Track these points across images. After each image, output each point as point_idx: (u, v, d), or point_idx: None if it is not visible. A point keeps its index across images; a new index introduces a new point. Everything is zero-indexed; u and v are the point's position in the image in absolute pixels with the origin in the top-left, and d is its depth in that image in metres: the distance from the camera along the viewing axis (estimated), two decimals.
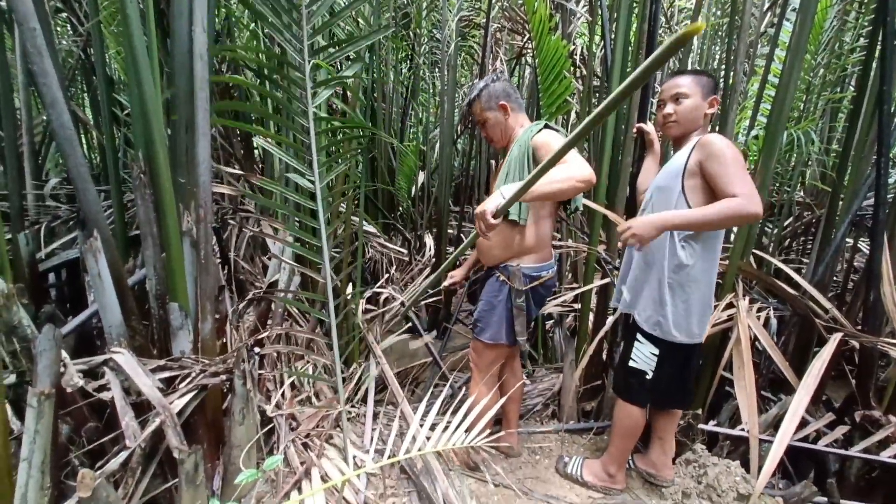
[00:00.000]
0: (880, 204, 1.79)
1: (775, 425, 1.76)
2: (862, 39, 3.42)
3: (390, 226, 4.41)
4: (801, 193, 4.54)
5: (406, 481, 1.68)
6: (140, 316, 1.47)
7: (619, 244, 1.48)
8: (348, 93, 2.42)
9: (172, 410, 1.21)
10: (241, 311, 1.95)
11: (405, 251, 4.03)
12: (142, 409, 1.27)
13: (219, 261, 2.18)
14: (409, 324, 2.59)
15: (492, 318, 1.65)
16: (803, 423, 1.82)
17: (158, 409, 1.18)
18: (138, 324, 1.43)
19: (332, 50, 1.58)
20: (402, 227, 4.45)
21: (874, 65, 2.07)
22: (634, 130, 1.82)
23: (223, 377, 1.37)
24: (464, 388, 2.26)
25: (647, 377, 1.52)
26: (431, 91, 5.66)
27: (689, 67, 4.62)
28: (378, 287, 2.53)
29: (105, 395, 1.20)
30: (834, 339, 1.72)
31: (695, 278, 1.43)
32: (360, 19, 3.03)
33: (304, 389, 1.89)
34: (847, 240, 3.20)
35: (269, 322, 1.85)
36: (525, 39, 4.07)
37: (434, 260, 3.80)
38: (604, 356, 2.12)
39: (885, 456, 1.59)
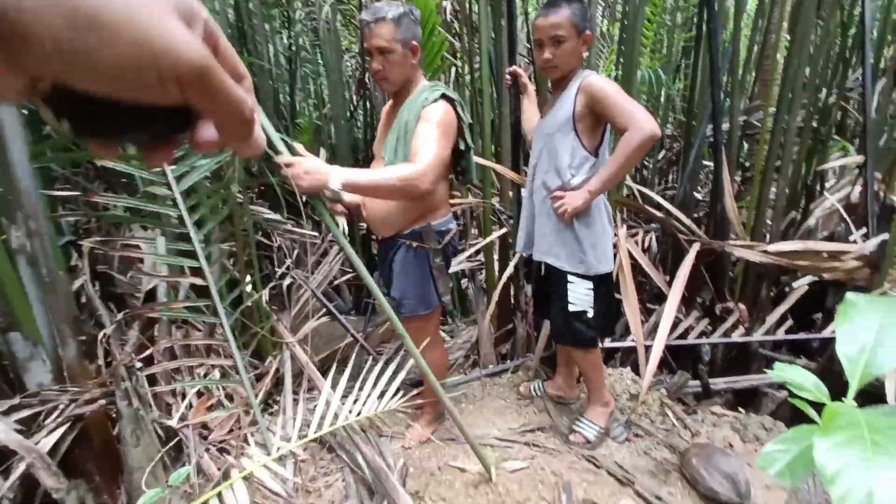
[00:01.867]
0: (717, 128, 2.07)
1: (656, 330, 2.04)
2: None
3: (297, 210, 4.18)
4: (671, 127, 5.07)
5: (338, 459, 1.69)
6: None
7: (559, 214, 1.50)
8: None
9: (41, 450, 1.07)
10: (122, 328, 1.76)
11: (317, 234, 3.87)
12: (4, 456, 1.11)
13: (86, 276, 1.92)
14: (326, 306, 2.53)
15: (417, 288, 1.58)
16: (678, 324, 2.12)
17: (21, 453, 1.04)
18: None
19: None
20: (312, 211, 4.24)
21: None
22: (508, 76, 1.86)
23: (102, 402, 1.24)
24: (394, 359, 2.28)
25: (589, 315, 1.58)
26: (320, 61, 5.31)
27: None
28: (280, 275, 2.42)
29: None
30: (693, 249, 2.00)
31: (597, 207, 1.53)
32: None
33: (213, 395, 1.78)
34: (710, 163, 3.68)
35: (156, 334, 1.69)
36: None
37: (348, 238, 3.70)
38: (511, 300, 2.26)
39: (735, 336, 1.92)
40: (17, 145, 1.18)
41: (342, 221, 3.89)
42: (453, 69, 2.94)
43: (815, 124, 2.76)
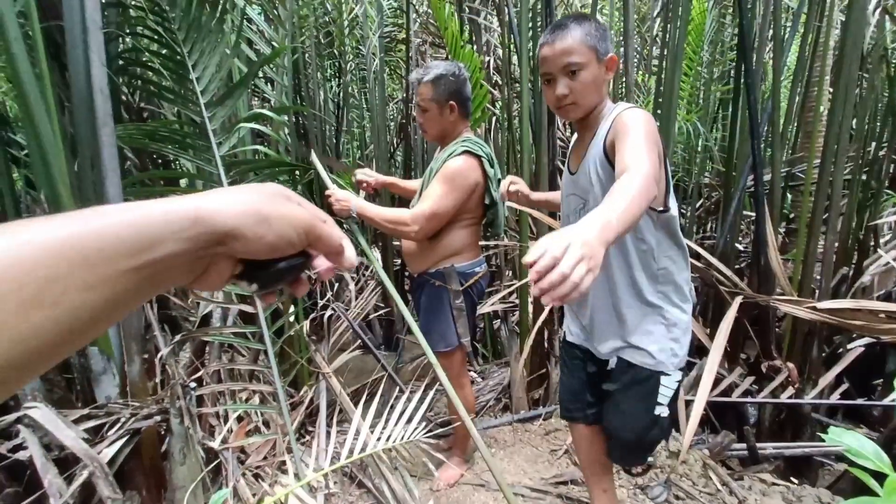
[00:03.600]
0: (758, 179, 2.06)
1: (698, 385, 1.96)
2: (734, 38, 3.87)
3: None
4: (709, 176, 5.02)
5: (367, 495, 1.69)
6: (59, 367, 1.38)
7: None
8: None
9: (102, 460, 1.15)
10: (176, 349, 1.87)
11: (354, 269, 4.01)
12: (67, 463, 1.20)
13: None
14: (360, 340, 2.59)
15: (439, 325, 1.66)
16: (721, 380, 2.03)
17: (85, 461, 1.12)
18: (56, 375, 1.35)
19: (226, 101, 1.59)
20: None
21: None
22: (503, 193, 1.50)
23: (157, 418, 1.32)
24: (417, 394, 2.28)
25: (666, 416, 1.16)
26: (364, 106, 5.70)
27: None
28: (321, 307, 2.51)
29: (22, 455, 1.12)
30: (735, 302, 1.95)
31: (679, 270, 1.13)
32: (274, 44, 2.99)
33: (252, 420, 1.84)
34: (751, 213, 3.60)
35: (207, 357, 1.79)
36: (447, 53, 4.23)
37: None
38: (545, 345, 2.25)
39: (783, 398, 1.81)
40: (114, 183, 1.35)
41: (377, 255, 4.04)
42: (493, 118, 3.09)
43: (864, 177, 2.69)
